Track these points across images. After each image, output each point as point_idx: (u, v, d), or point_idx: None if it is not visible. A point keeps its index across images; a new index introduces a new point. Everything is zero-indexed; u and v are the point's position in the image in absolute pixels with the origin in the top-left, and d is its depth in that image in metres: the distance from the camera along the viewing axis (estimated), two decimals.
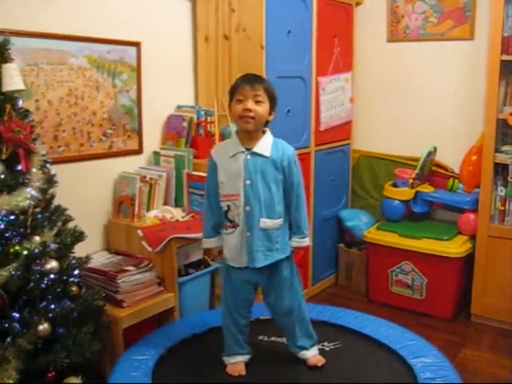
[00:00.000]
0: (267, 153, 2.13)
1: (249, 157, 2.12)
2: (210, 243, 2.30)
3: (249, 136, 2.14)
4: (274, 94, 2.15)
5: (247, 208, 2.11)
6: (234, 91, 2.12)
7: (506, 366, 2.82)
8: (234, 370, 2.25)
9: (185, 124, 3.16)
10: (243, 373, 2.25)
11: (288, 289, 2.24)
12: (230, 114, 2.19)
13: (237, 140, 2.16)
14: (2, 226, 2.01)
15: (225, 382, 2.21)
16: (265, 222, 2.13)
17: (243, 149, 2.13)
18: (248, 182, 2.11)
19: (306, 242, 2.25)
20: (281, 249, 2.19)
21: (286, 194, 2.19)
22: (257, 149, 2.13)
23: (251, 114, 2.07)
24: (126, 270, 2.59)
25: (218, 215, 2.22)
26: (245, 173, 2.11)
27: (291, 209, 2.20)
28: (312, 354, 2.31)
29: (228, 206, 2.15)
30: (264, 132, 2.18)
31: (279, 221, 2.17)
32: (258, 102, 2.08)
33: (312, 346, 2.33)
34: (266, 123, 2.17)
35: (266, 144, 2.15)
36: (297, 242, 2.23)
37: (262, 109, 2.10)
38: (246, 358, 2.31)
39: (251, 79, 2.12)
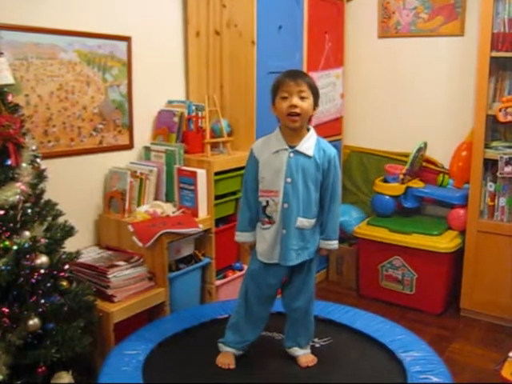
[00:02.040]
0: (310, 152, 2.13)
1: (292, 155, 2.12)
2: (244, 237, 2.29)
3: (293, 133, 2.14)
4: (316, 89, 2.15)
5: (285, 205, 2.12)
6: (277, 88, 2.11)
7: (494, 359, 2.83)
8: (224, 362, 2.27)
9: (176, 119, 3.16)
10: (232, 366, 2.26)
11: (304, 285, 2.26)
12: (276, 112, 2.15)
13: (280, 136, 2.15)
14: None
15: (215, 379, 2.22)
16: (301, 221, 2.14)
17: (287, 146, 2.13)
18: (289, 179, 2.11)
19: (334, 245, 2.26)
20: (311, 249, 2.21)
21: (322, 195, 2.19)
22: (300, 147, 2.13)
23: (297, 111, 2.07)
24: (117, 265, 2.59)
25: (255, 210, 2.22)
26: (286, 170, 2.11)
27: (324, 210, 2.21)
28: (303, 353, 2.32)
29: (267, 202, 2.16)
30: (308, 130, 2.18)
31: (314, 221, 2.19)
32: (302, 98, 2.08)
33: (305, 345, 2.35)
34: (310, 119, 2.17)
35: (309, 143, 2.15)
36: (325, 243, 2.24)
37: (307, 104, 2.09)
38: (238, 351, 2.32)
39: (294, 75, 2.11)
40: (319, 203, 2.20)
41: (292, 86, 2.07)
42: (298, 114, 2.07)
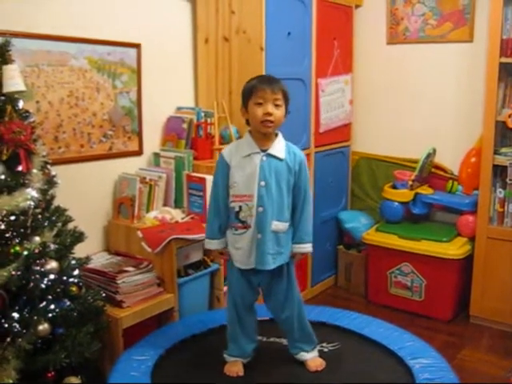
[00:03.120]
0: (282, 155, 2.14)
1: (264, 158, 2.12)
2: (213, 244, 2.26)
3: (264, 137, 2.14)
4: (288, 97, 2.15)
5: (260, 209, 2.11)
6: (251, 92, 2.10)
7: (504, 367, 2.82)
8: (232, 371, 2.25)
9: (185, 125, 3.17)
10: (241, 373, 2.25)
11: (287, 294, 2.25)
12: (246, 115, 2.16)
13: (251, 140, 2.15)
14: (3, 227, 2.02)
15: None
16: (276, 225, 2.13)
17: (259, 149, 2.13)
18: (262, 183, 2.10)
19: (308, 248, 2.24)
20: (286, 253, 2.19)
21: (295, 198, 2.19)
22: (272, 150, 2.13)
23: (272, 119, 2.07)
24: (126, 271, 2.60)
25: (225, 216, 2.20)
26: (260, 174, 2.11)
27: (296, 213, 2.20)
28: (311, 357, 2.31)
29: (240, 207, 2.14)
30: (276, 134, 2.18)
31: (287, 224, 2.17)
32: (276, 106, 2.08)
33: (312, 348, 2.33)
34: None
35: (280, 146, 2.16)
36: (298, 247, 2.22)
37: (281, 112, 2.10)
38: (246, 359, 2.31)
39: (271, 82, 2.10)
40: (291, 206, 2.18)
41: (268, 93, 2.06)
42: (272, 122, 2.07)
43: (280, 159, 2.13)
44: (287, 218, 2.17)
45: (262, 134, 2.13)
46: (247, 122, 2.19)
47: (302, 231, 2.21)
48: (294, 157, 2.16)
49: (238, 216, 2.15)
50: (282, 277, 2.23)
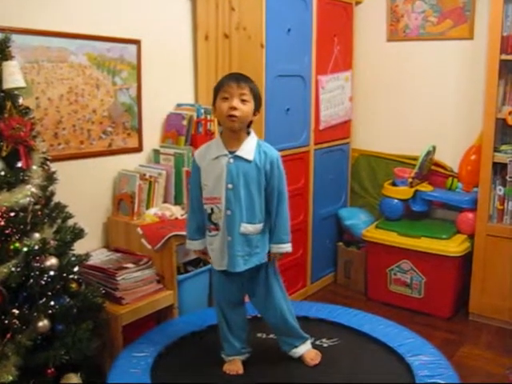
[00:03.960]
0: (250, 156, 2.10)
1: (231, 160, 2.09)
2: (193, 245, 2.26)
3: (233, 136, 2.12)
4: (258, 94, 2.13)
5: (228, 212, 2.10)
6: (218, 89, 2.09)
7: (502, 364, 2.83)
8: (231, 369, 2.25)
9: (184, 122, 3.17)
10: (241, 371, 2.25)
11: (269, 293, 2.24)
12: (215, 113, 2.16)
13: (220, 142, 2.13)
14: (2, 223, 2.01)
15: (223, 381, 2.22)
16: (245, 227, 2.11)
17: (226, 152, 2.10)
18: (230, 185, 2.08)
19: (286, 248, 2.21)
20: (261, 253, 2.17)
21: (267, 199, 2.16)
22: (240, 152, 2.10)
23: (236, 113, 2.04)
24: (126, 268, 2.60)
25: (201, 217, 2.20)
26: (227, 177, 2.08)
27: (272, 213, 2.17)
28: (304, 350, 2.31)
29: (211, 209, 2.13)
30: (248, 133, 2.15)
31: (260, 226, 2.15)
32: (243, 101, 2.06)
33: (302, 342, 2.33)
34: (250, 124, 2.15)
35: (249, 147, 2.12)
36: (276, 247, 2.20)
37: (247, 108, 2.07)
38: (243, 356, 2.31)
39: (237, 77, 2.09)
40: (265, 207, 2.16)
41: (234, 87, 2.05)
42: (236, 116, 2.05)
43: (248, 161, 2.10)
44: (260, 220, 2.14)
45: (231, 133, 2.11)
46: (219, 122, 2.18)
47: (279, 231, 2.18)
48: (264, 156, 2.12)
49: (211, 218, 2.15)
50: (260, 277, 2.22)
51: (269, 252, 2.20)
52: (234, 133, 2.11)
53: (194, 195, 2.20)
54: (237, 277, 2.19)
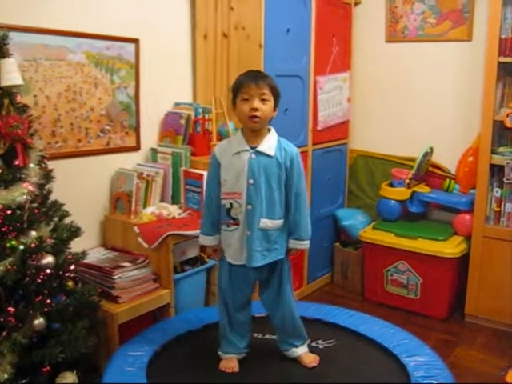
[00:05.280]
0: (272, 152, 2.12)
1: (253, 156, 2.11)
2: (207, 240, 2.27)
3: (254, 134, 2.13)
4: (277, 91, 2.15)
5: (249, 207, 2.11)
6: (237, 89, 2.10)
7: (498, 365, 2.83)
8: (227, 367, 2.26)
9: (182, 121, 3.17)
10: (236, 369, 2.25)
11: (282, 290, 2.25)
12: (235, 112, 2.17)
13: (241, 137, 2.15)
14: None
15: (218, 380, 2.22)
16: (265, 223, 2.13)
17: (248, 147, 2.12)
18: (251, 181, 2.10)
19: (305, 244, 2.24)
20: (280, 249, 2.19)
21: (287, 195, 2.17)
22: (261, 148, 2.12)
23: (258, 114, 2.06)
24: (122, 266, 2.60)
25: (217, 213, 2.20)
26: (248, 172, 2.10)
27: (290, 210, 2.19)
28: (302, 352, 2.32)
29: (231, 204, 2.14)
30: (269, 130, 2.17)
31: (279, 222, 2.17)
32: (263, 101, 2.08)
33: (302, 343, 2.34)
34: (270, 120, 2.17)
35: (270, 143, 2.14)
36: (294, 243, 2.22)
37: (268, 107, 2.09)
38: (240, 355, 2.32)
39: (256, 77, 2.10)
40: (285, 203, 2.18)
41: (253, 88, 2.06)
42: (258, 117, 2.07)
43: (270, 156, 2.12)
44: (279, 215, 2.16)
45: (252, 131, 2.13)
46: (240, 120, 2.18)
47: (298, 228, 2.20)
48: (284, 153, 2.14)
49: (230, 213, 2.16)
50: (275, 272, 2.24)
51: (287, 248, 2.23)
52: (255, 131, 2.13)
53: (213, 190, 2.20)
54: (252, 272, 2.20)
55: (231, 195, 2.14)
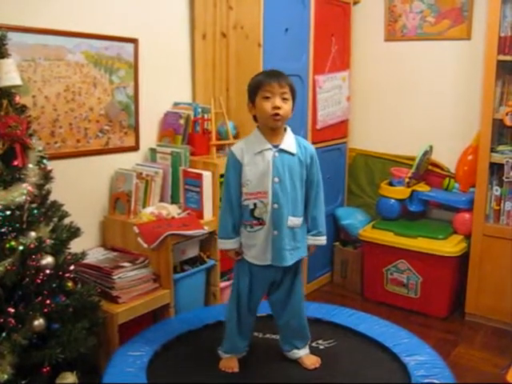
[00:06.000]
0: (294, 150, 2.13)
1: (276, 154, 2.11)
2: (228, 244, 2.21)
3: (273, 133, 2.13)
4: (295, 91, 2.16)
5: (275, 206, 2.10)
6: (258, 87, 2.09)
7: (498, 364, 2.83)
8: (227, 366, 2.26)
9: (182, 121, 3.16)
10: (236, 369, 2.26)
11: (291, 288, 2.26)
12: (253, 111, 2.15)
13: (261, 136, 2.14)
14: None
15: (218, 380, 2.22)
16: (292, 221, 2.13)
17: (270, 145, 2.12)
18: (276, 179, 2.10)
19: (323, 240, 2.26)
20: (302, 247, 2.20)
21: (306, 192, 2.19)
22: (284, 146, 2.13)
23: (280, 112, 2.06)
24: (122, 266, 2.60)
25: (238, 215, 2.18)
26: (273, 170, 2.10)
27: (309, 206, 2.20)
28: (304, 354, 2.32)
29: (254, 204, 2.13)
30: (285, 129, 2.18)
31: (301, 219, 2.18)
32: (284, 100, 2.08)
33: (304, 345, 2.34)
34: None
35: (290, 141, 2.15)
36: (313, 239, 2.24)
37: (289, 106, 2.10)
38: (240, 355, 2.32)
39: (278, 75, 2.10)
40: (304, 200, 2.19)
41: (275, 86, 2.06)
42: (280, 115, 2.07)
43: (292, 154, 2.13)
44: (301, 213, 2.18)
45: (271, 130, 2.12)
46: (254, 118, 2.18)
47: (317, 223, 2.23)
48: (304, 150, 2.16)
49: (253, 213, 2.14)
50: (292, 272, 2.24)
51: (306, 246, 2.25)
52: (274, 130, 2.13)
53: (233, 192, 2.17)
54: (273, 272, 2.20)
55: (255, 195, 2.12)
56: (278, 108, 2.06)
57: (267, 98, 2.07)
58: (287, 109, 2.09)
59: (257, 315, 2.44)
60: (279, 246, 2.12)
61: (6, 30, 2.13)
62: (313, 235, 2.24)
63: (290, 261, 2.15)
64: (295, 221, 2.14)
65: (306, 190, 2.19)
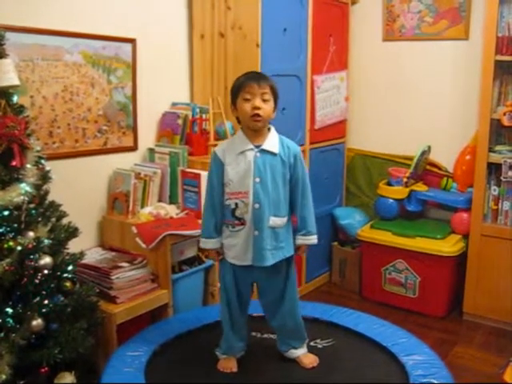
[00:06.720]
0: (276, 150, 2.14)
1: (258, 154, 2.12)
2: (210, 244, 2.23)
3: (256, 133, 2.14)
4: (277, 92, 2.16)
5: (256, 205, 2.10)
6: (239, 89, 2.10)
7: (496, 363, 2.82)
8: (226, 367, 2.26)
9: (180, 121, 3.16)
10: (235, 369, 2.26)
11: (285, 290, 2.25)
12: (234, 113, 2.17)
13: (244, 137, 2.15)
14: None
15: (217, 380, 2.22)
16: (273, 221, 2.13)
17: (252, 146, 2.13)
18: (258, 179, 2.10)
19: (313, 239, 2.25)
20: (285, 247, 2.19)
21: (292, 191, 2.19)
22: (266, 146, 2.13)
23: (260, 113, 2.07)
24: (120, 267, 2.60)
25: (220, 214, 2.19)
26: (254, 170, 2.10)
27: (297, 206, 2.20)
28: (301, 353, 2.32)
29: (236, 204, 2.13)
30: (269, 129, 2.18)
31: (285, 219, 2.17)
32: (264, 101, 2.08)
33: (301, 345, 2.34)
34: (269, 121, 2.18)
35: (273, 141, 2.15)
36: (303, 239, 2.24)
37: (269, 106, 2.10)
38: (238, 355, 2.32)
39: (257, 77, 2.11)
40: (289, 201, 2.19)
41: (255, 87, 2.07)
42: (260, 116, 2.07)
43: (274, 154, 2.13)
44: (285, 213, 2.17)
45: (254, 130, 2.13)
46: (238, 120, 2.19)
47: (306, 223, 2.21)
48: (288, 150, 2.16)
49: (235, 213, 2.14)
50: (280, 273, 2.23)
51: (296, 245, 2.24)
52: (256, 130, 2.13)
53: (216, 192, 2.18)
54: (256, 272, 2.19)
55: (236, 195, 2.13)
56: (258, 109, 2.06)
57: (247, 99, 2.08)
58: (268, 109, 2.09)
59: (255, 315, 2.45)
60: (260, 246, 2.12)
61: (3, 30, 2.13)
62: (303, 235, 2.23)
63: (271, 261, 2.14)
64: (277, 221, 2.14)
65: (292, 190, 2.19)
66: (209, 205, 2.22)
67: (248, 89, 2.07)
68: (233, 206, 2.14)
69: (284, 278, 2.24)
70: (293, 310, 2.28)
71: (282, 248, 2.18)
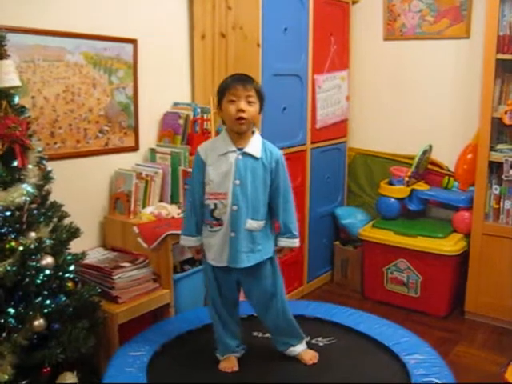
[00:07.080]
0: (258, 154, 2.13)
1: (240, 156, 2.11)
2: (190, 241, 2.24)
3: (239, 136, 2.14)
4: (263, 95, 2.15)
5: (234, 207, 2.10)
6: (224, 91, 2.11)
7: (498, 362, 2.82)
8: (227, 367, 2.26)
9: (181, 121, 3.17)
10: (236, 368, 2.26)
11: (272, 291, 2.24)
12: (221, 114, 2.17)
13: (227, 138, 2.15)
14: None
15: (218, 379, 2.22)
16: (250, 223, 2.12)
17: (235, 148, 2.13)
18: (237, 181, 2.10)
19: (296, 242, 2.24)
20: (263, 250, 2.18)
21: (273, 196, 2.18)
22: (248, 149, 2.13)
23: (245, 115, 2.07)
24: (122, 267, 2.60)
25: (201, 214, 2.20)
26: (235, 172, 2.10)
27: (279, 211, 2.19)
28: (301, 350, 2.32)
29: (215, 205, 2.13)
30: (253, 132, 2.18)
31: (262, 223, 2.16)
32: (249, 103, 2.08)
33: (299, 341, 2.34)
34: (254, 123, 2.18)
35: (256, 145, 2.15)
36: (285, 241, 2.23)
37: (254, 109, 2.10)
38: (238, 354, 2.32)
39: (243, 79, 2.11)
40: (269, 205, 2.18)
41: (240, 90, 2.07)
42: (245, 118, 2.07)
43: (256, 158, 2.13)
44: (263, 216, 2.16)
45: (237, 133, 2.13)
46: (223, 122, 2.19)
47: (289, 227, 2.21)
48: (270, 155, 2.15)
49: (213, 214, 2.15)
50: (263, 275, 2.22)
51: (278, 248, 2.24)
52: (240, 133, 2.13)
53: (197, 191, 2.19)
54: (235, 273, 2.20)
55: (216, 195, 2.13)
56: (243, 111, 2.06)
57: (232, 101, 2.08)
58: (252, 112, 2.09)
59: (254, 315, 2.44)
60: (235, 247, 2.12)
61: (5, 31, 2.14)
62: (285, 237, 2.22)
63: (246, 263, 2.14)
64: (254, 224, 2.13)
65: (273, 195, 2.18)
66: (190, 203, 2.23)
67: (233, 91, 2.07)
68: (212, 207, 2.14)
69: (269, 279, 2.23)
70: (282, 310, 2.27)
71: (260, 251, 2.17)
